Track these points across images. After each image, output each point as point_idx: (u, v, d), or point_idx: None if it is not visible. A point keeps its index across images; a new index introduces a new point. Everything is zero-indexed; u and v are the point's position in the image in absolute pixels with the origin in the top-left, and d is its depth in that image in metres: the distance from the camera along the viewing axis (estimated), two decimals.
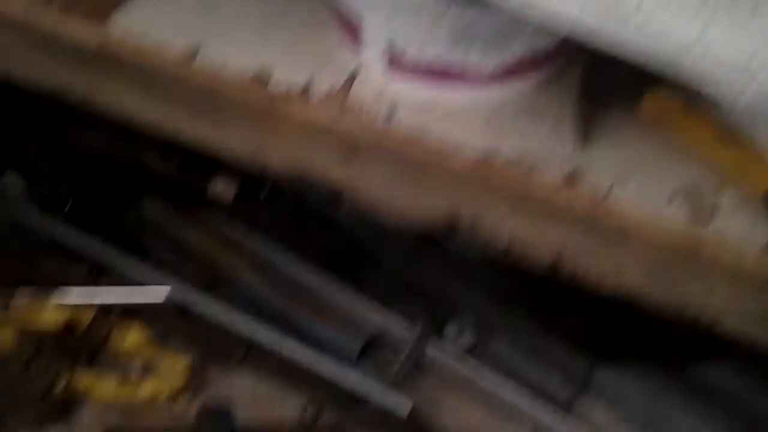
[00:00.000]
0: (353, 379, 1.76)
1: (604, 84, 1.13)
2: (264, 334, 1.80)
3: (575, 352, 1.76)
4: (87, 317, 1.83)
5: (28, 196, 2.00)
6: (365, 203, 1.15)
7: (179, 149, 1.86)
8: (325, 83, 1.13)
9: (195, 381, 1.83)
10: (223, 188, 1.90)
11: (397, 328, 1.82)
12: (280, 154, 1.20)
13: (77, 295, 1.84)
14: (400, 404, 1.73)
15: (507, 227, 1.11)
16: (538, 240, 1.10)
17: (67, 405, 1.81)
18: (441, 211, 1.12)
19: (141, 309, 1.89)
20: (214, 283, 1.91)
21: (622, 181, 1.03)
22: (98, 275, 1.90)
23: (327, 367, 1.77)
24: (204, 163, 1.90)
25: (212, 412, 1.38)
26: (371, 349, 1.85)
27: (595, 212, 1.02)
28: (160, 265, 1.90)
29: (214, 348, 1.89)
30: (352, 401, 1.80)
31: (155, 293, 1.85)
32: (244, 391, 1.81)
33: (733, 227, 1.02)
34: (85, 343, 1.85)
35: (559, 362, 1.77)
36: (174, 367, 1.84)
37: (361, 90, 1.13)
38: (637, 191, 1.02)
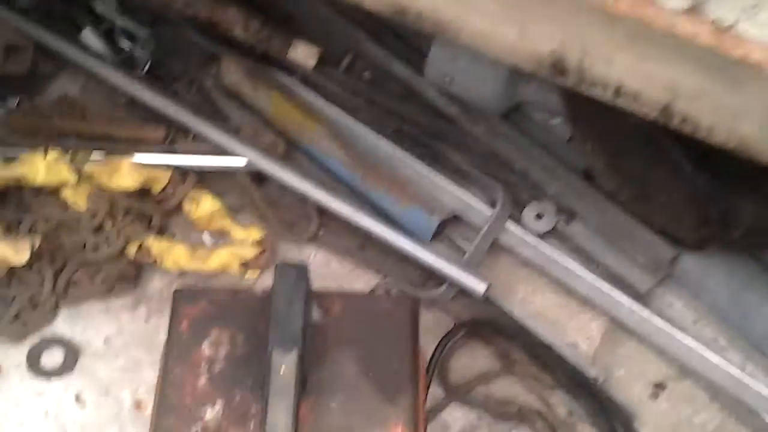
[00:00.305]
0: (429, 256, 1.72)
1: None
2: (338, 205, 1.76)
3: (659, 242, 1.69)
4: (161, 182, 1.81)
5: (107, 53, 1.98)
6: (468, 40, 1.09)
7: (261, 10, 1.82)
8: None
9: (266, 254, 1.81)
10: (304, 54, 1.86)
11: (475, 208, 1.77)
12: None
13: (153, 159, 1.82)
14: (477, 284, 1.68)
15: (618, 65, 1.05)
16: (651, 79, 1.04)
17: (138, 270, 1.81)
18: (549, 47, 1.06)
19: (216, 177, 1.87)
20: (290, 152, 1.87)
21: (750, 12, 0.96)
22: (175, 140, 1.87)
23: (402, 242, 1.73)
24: (285, 29, 1.86)
25: (290, 269, 1.35)
26: (447, 228, 1.80)
27: (717, 45, 0.96)
28: (238, 131, 1.87)
29: (287, 222, 1.86)
30: (426, 280, 1.76)
31: (232, 160, 1.82)
32: (315, 267, 1.78)
33: None
34: (158, 208, 1.83)
35: (642, 252, 1.71)
36: (246, 238, 1.82)
37: None
38: (765, 23, 0.95)
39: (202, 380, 1.34)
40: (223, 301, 1.43)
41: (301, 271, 1.38)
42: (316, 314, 1.39)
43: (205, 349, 1.37)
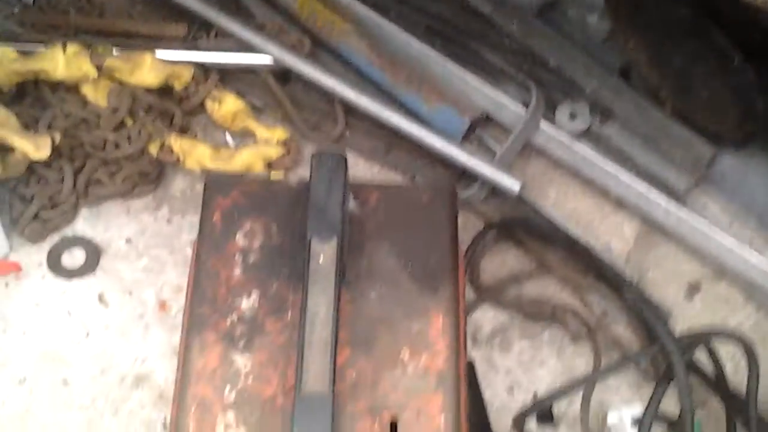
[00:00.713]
0: (460, 154, 1.68)
1: None
2: (366, 102, 1.72)
3: (698, 140, 1.65)
4: (184, 80, 1.76)
5: None
6: None
7: None
8: None
9: (291, 155, 1.77)
10: None
11: (508, 108, 1.72)
12: None
13: (175, 56, 1.76)
14: (511, 183, 1.65)
15: None
16: None
17: (160, 170, 1.76)
18: None
19: (239, 76, 1.82)
20: (316, 52, 1.82)
21: None
22: (197, 37, 1.81)
23: (432, 140, 1.69)
24: None
25: (328, 157, 1.31)
26: (478, 130, 1.76)
27: None
28: (262, 28, 1.81)
29: (313, 123, 1.82)
30: (455, 181, 1.73)
31: (257, 57, 1.76)
32: None
33: None
34: (180, 107, 1.78)
35: (679, 150, 1.67)
36: (271, 138, 1.77)
37: None
38: None
39: (237, 271, 1.31)
40: (256, 191, 1.39)
41: (340, 159, 1.33)
42: (352, 206, 1.35)
43: (239, 239, 1.34)
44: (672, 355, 1.34)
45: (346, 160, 1.34)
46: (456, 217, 1.37)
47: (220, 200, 1.37)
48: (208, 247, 1.34)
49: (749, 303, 1.63)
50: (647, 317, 1.46)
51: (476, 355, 1.60)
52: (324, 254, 1.25)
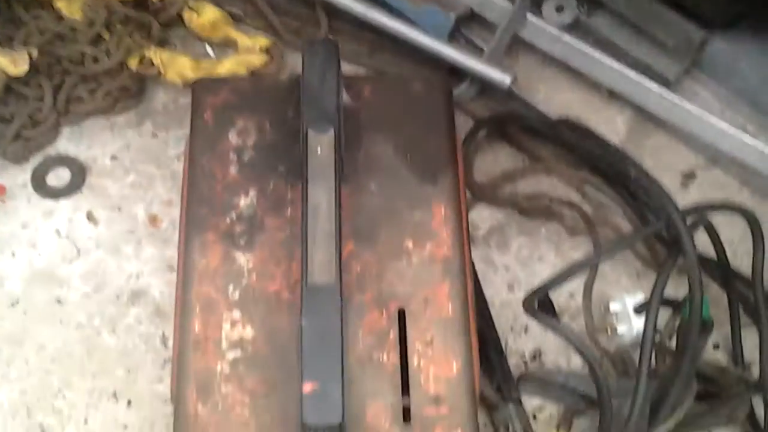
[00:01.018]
0: (449, 51, 1.65)
1: None
2: (349, 2, 1.67)
3: (688, 24, 1.63)
4: None
5: None
6: None
7: None
8: None
9: (275, 62, 1.73)
10: None
11: (493, 2, 1.69)
12: None
13: None
14: (501, 76, 1.62)
15: None
16: None
17: (141, 84, 1.72)
18: None
19: None
20: None
21: None
22: None
23: (420, 38, 1.66)
24: None
25: (319, 45, 1.28)
26: (463, 29, 1.73)
27: None
28: None
29: (295, 29, 1.78)
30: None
31: None
32: None
33: None
34: (157, 18, 1.73)
35: (670, 35, 1.64)
36: (253, 46, 1.73)
37: None
38: None
39: (232, 170, 1.29)
40: (246, 89, 1.37)
41: (332, 46, 1.30)
42: (345, 98, 1.33)
43: (232, 138, 1.32)
44: (678, 225, 1.32)
45: (338, 46, 1.30)
46: (451, 105, 1.35)
47: (210, 99, 1.34)
48: (202, 147, 1.31)
49: (745, 188, 1.63)
50: (653, 190, 1.44)
51: (474, 254, 1.58)
52: (322, 146, 1.23)
